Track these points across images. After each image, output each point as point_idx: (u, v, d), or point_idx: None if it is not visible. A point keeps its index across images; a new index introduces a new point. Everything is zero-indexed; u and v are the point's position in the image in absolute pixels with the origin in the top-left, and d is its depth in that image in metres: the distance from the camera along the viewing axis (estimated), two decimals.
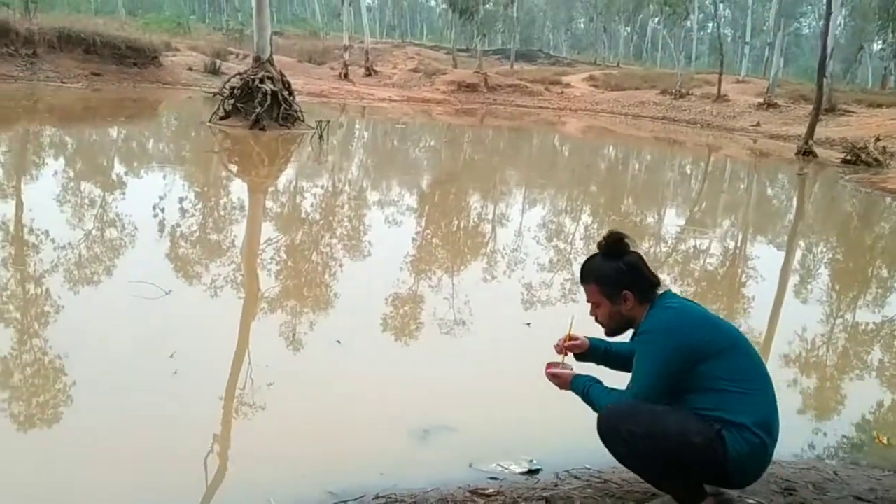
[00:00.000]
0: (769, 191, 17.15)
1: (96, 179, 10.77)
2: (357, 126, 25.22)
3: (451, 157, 18.74)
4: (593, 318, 2.87)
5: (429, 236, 9.32)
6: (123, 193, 9.94)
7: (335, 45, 43.83)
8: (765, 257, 9.68)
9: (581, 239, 9.64)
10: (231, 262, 7.04)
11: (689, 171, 20.22)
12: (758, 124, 30.75)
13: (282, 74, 18.12)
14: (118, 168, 12.41)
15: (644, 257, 2.83)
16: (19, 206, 8.46)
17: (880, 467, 3.73)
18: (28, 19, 26.93)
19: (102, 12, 52.24)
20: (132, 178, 11.47)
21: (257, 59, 17.89)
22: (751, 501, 2.93)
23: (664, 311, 2.68)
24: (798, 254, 10.32)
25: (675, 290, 6.62)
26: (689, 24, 57.37)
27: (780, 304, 7.39)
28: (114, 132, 17.09)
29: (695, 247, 9.83)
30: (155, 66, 29.25)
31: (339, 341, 4.91)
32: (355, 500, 2.95)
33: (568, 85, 41.57)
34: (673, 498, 2.72)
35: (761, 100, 33.83)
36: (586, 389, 2.77)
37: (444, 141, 22.86)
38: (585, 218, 11.51)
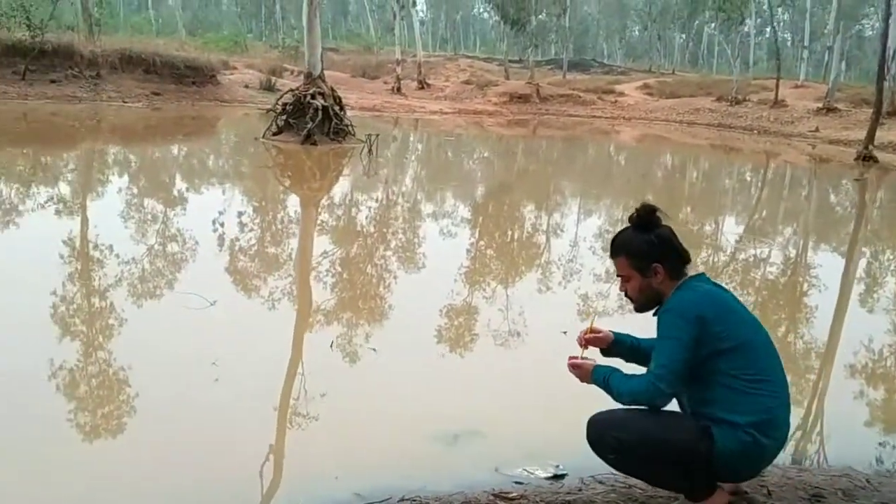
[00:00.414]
0: (828, 197, 16.78)
1: (157, 195, 11.12)
2: (409, 139, 25.44)
3: (505, 168, 18.79)
4: (623, 293, 2.88)
5: (482, 247, 9.38)
6: (183, 209, 10.28)
7: (388, 59, 44.23)
8: (826, 265, 9.48)
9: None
10: (282, 272, 7.22)
11: (746, 179, 19.86)
12: (816, 129, 30.05)
13: (332, 90, 18.42)
14: (178, 184, 12.78)
15: (675, 231, 2.83)
16: (84, 222, 8.78)
17: None
18: (92, 42, 27.88)
19: (163, 33, 53.70)
20: (192, 193, 11.85)
21: (309, 76, 18.25)
22: None
23: (688, 292, 2.69)
24: (860, 261, 10.04)
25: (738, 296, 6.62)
26: (745, 29, 56.55)
27: (841, 312, 7.21)
28: (173, 150, 17.60)
29: (755, 255, 9.67)
30: (213, 85, 29.95)
31: (374, 349, 5.00)
32: (381, 501, 3.02)
33: (621, 94, 41.26)
34: (685, 497, 2.74)
35: (820, 105, 33.05)
36: (606, 378, 2.77)
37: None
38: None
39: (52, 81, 25.32)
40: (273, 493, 3.25)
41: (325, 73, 19.52)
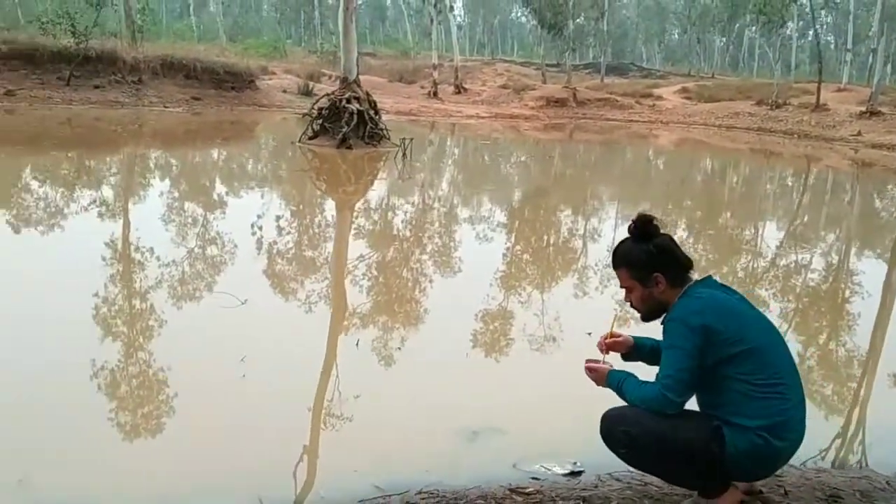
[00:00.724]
0: (871, 202, 16.48)
1: (197, 199, 11.35)
2: (445, 143, 25.54)
3: (541, 172, 18.77)
4: (629, 304, 2.91)
5: (517, 251, 9.41)
6: (222, 212, 10.46)
7: (425, 63, 44.41)
8: (869, 272, 9.29)
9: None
10: (316, 274, 7.36)
11: (787, 183, 19.57)
12: (859, 133, 29.52)
13: (368, 94, 18.57)
14: (217, 187, 13.01)
15: (675, 240, 2.85)
16: (126, 225, 8.98)
17: None
18: (134, 48, 28.45)
19: (205, 39, 54.61)
20: (230, 196, 12.08)
21: (344, 80, 18.44)
22: None
23: (692, 300, 2.70)
24: None
25: (776, 306, 6.58)
26: (787, 32, 55.71)
27: (883, 320, 7.09)
28: (213, 154, 17.89)
29: (795, 261, 9.53)
30: (252, 90, 30.37)
31: (400, 348, 5.08)
32: (399, 494, 3.09)
33: (659, 97, 40.91)
34: (698, 494, 2.75)
35: (863, 108, 32.45)
36: (620, 384, 2.80)
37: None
38: (681, 233, 11.06)
39: (96, 87, 25.91)
40: (294, 483, 3.33)
41: (362, 77, 19.70)
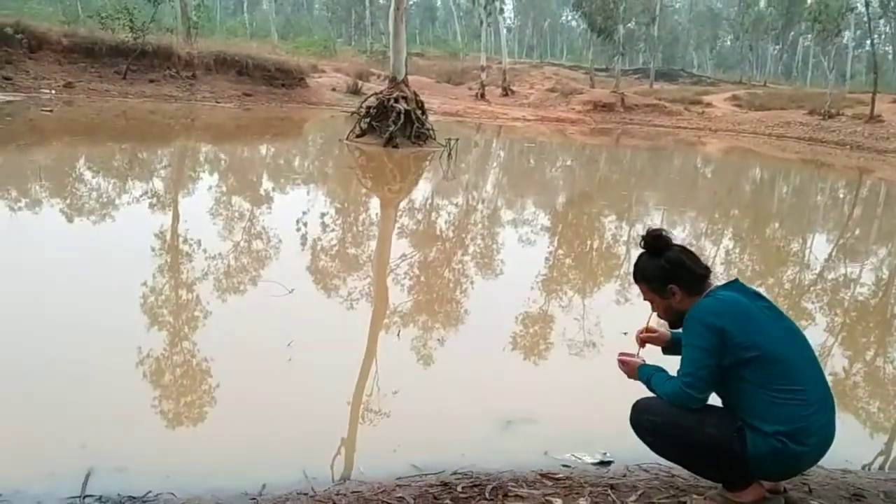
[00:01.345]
0: None
1: (245, 192, 11.62)
2: (490, 145, 25.65)
3: (586, 177, 18.76)
4: (656, 314, 3.00)
5: (560, 255, 9.49)
6: (269, 207, 10.70)
7: (474, 65, 44.60)
8: None
9: (722, 264, 9.28)
10: (359, 269, 7.57)
11: (838, 196, 19.25)
12: None
13: (415, 94, 18.77)
14: (265, 182, 13.29)
15: (689, 250, 2.94)
16: (176, 217, 9.26)
17: None
18: (189, 44, 29.07)
19: (257, 36, 55.36)
20: (278, 192, 12.33)
21: (393, 80, 18.67)
22: (814, 503, 2.97)
23: (713, 300, 2.77)
24: None
25: (822, 320, 6.54)
26: (843, 41, 54.64)
27: None
28: (262, 149, 18.24)
29: (844, 275, 9.38)
30: (301, 87, 30.82)
31: (439, 340, 5.27)
32: (435, 474, 3.24)
33: (709, 105, 40.49)
34: (723, 487, 2.85)
35: None
36: (649, 378, 2.90)
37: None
38: (727, 242, 11.09)
39: (151, 81, 26.54)
40: (336, 459, 3.51)
41: (410, 77, 19.90)
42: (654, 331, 3.11)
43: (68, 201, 9.66)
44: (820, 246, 11.56)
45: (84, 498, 2.87)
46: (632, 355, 3.05)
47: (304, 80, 31.30)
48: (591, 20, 44.20)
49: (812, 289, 8.40)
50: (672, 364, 2.86)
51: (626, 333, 4.64)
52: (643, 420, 2.85)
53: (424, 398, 4.43)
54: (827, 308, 7.61)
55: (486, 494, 2.97)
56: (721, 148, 30.26)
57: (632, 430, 2.92)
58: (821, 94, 38.06)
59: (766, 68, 68.51)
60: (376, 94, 19.30)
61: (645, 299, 3.00)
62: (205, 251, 7.29)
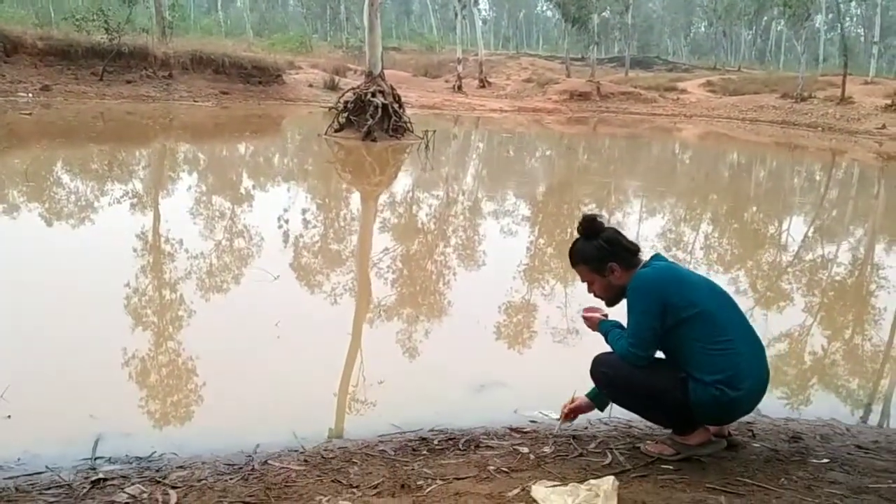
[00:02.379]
0: None
1: (226, 190, 11.84)
2: (467, 136, 25.90)
3: (566, 166, 19.06)
4: (592, 296, 3.29)
5: (541, 245, 9.78)
6: (250, 204, 10.90)
7: (450, 58, 44.74)
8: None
9: (701, 248, 9.55)
10: (343, 256, 7.84)
11: (812, 177, 19.60)
12: (883, 126, 29.47)
13: (392, 88, 19.02)
14: (245, 179, 13.51)
15: (619, 230, 3.24)
16: (157, 217, 9.45)
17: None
18: (165, 44, 29.10)
19: (232, 34, 55.20)
20: (259, 188, 12.58)
21: (369, 75, 18.90)
22: (756, 445, 3.32)
23: (649, 270, 3.09)
24: None
25: (800, 300, 6.81)
26: (816, 24, 55.21)
27: None
28: (241, 146, 18.42)
29: (822, 255, 9.64)
30: (278, 84, 30.92)
31: (418, 316, 5.65)
32: (414, 431, 3.54)
33: (684, 91, 40.92)
34: (672, 432, 3.18)
35: (889, 101, 32.31)
36: (607, 332, 3.23)
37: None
38: (705, 227, 11.27)
39: (128, 82, 26.57)
40: (323, 422, 3.82)
41: (387, 71, 20.12)
42: (596, 310, 3.37)
43: (53, 203, 9.85)
44: (796, 227, 11.81)
45: (95, 459, 3.15)
46: (595, 310, 3.34)
47: (281, 77, 31.40)
48: (565, 10, 44.42)
49: (790, 269, 8.66)
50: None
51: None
52: (599, 372, 3.18)
53: (405, 369, 4.78)
54: (806, 288, 7.87)
55: (460, 446, 3.28)
56: (696, 133, 30.67)
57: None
58: (793, 77, 38.50)
59: (740, 54, 69.08)
60: (353, 88, 19.53)
61: (583, 281, 3.26)
62: (187, 250, 7.46)
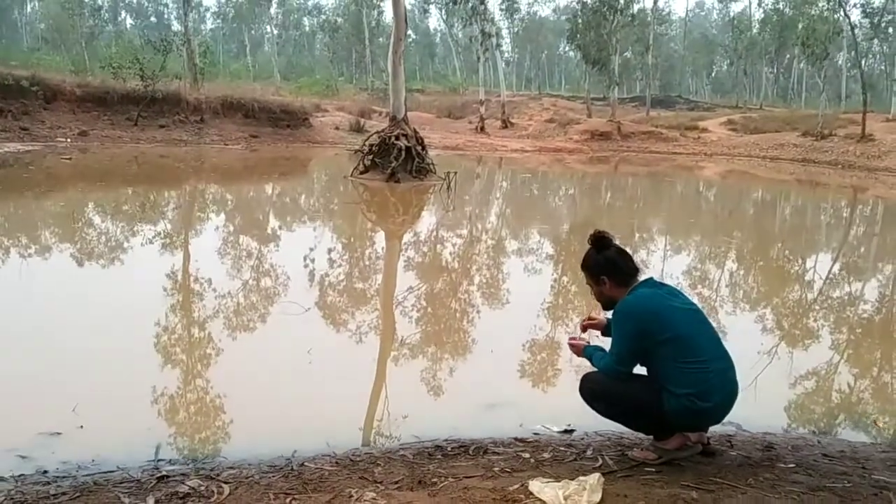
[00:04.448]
0: None
1: (254, 230, 12.47)
2: (488, 176, 26.56)
3: (589, 205, 19.56)
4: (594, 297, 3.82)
5: (560, 281, 10.25)
6: (276, 244, 11.52)
7: (473, 99, 45.58)
8: None
9: (726, 286, 9.72)
10: (370, 290, 8.40)
11: (836, 214, 19.79)
12: None
13: (415, 131, 19.75)
14: (272, 219, 14.17)
15: (624, 251, 3.73)
16: (187, 257, 10.03)
17: (864, 441, 4.40)
18: (196, 89, 30.21)
19: (260, 78, 56.76)
20: (286, 228, 13.24)
21: (393, 119, 19.67)
22: (733, 453, 3.77)
23: (633, 297, 3.58)
24: None
25: (827, 338, 7.14)
26: (839, 62, 55.58)
27: None
28: (270, 188, 19.15)
29: (849, 292, 9.74)
30: (305, 127, 31.89)
31: (436, 347, 6.10)
32: (430, 440, 4.04)
33: (704, 130, 41.31)
34: (654, 439, 3.65)
35: None
36: (591, 355, 3.74)
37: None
38: (730, 264, 11.36)
39: (161, 126, 27.62)
40: (351, 433, 4.31)
41: (412, 113, 20.87)
42: (595, 318, 3.96)
43: (93, 241, 10.52)
44: (822, 263, 11.92)
45: (157, 461, 3.67)
46: (579, 339, 3.86)
47: (308, 120, 32.37)
48: (586, 52, 45.22)
49: (813, 305, 8.86)
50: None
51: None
52: (586, 388, 3.69)
53: (424, 390, 5.31)
54: (835, 326, 7.96)
55: (470, 452, 3.78)
56: (718, 172, 31.00)
57: (596, 414, 3.73)
58: (814, 115, 38.81)
59: (762, 92, 69.53)
60: (378, 132, 20.26)
61: (587, 283, 3.81)
62: (217, 287, 8.03)
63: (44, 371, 5.05)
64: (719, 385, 3.43)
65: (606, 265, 3.66)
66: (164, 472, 3.41)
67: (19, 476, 3.41)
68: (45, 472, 3.49)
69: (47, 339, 5.81)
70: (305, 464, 3.56)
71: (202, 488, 3.18)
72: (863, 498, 3.22)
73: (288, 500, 3.06)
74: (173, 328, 6.36)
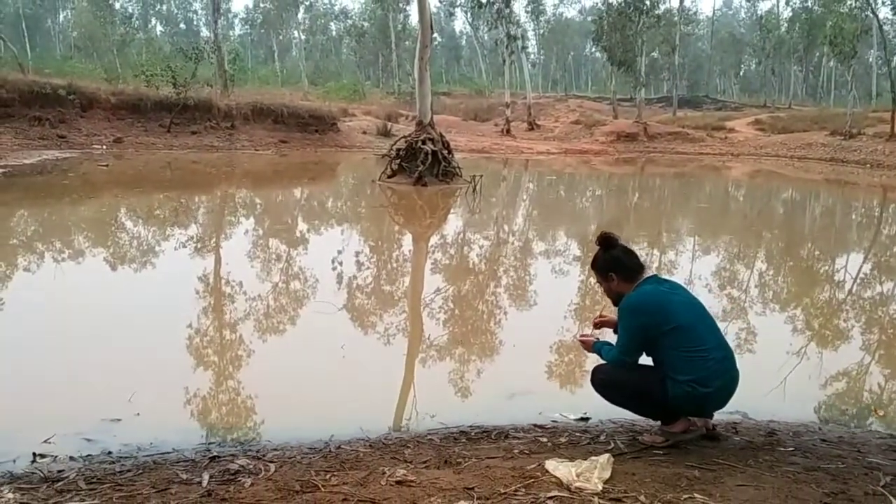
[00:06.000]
0: None
1: (286, 232, 12.90)
2: (513, 178, 26.88)
3: (617, 205, 19.81)
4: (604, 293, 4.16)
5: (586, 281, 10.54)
6: (304, 247, 11.93)
7: (499, 102, 45.88)
8: None
9: (756, 286, 9.74)
10: (398, 290, 8.79)
11: (865, 213, 19.86)
12: None
13: (441, 135, 20.15)
14: (303, 222, 14.61)
15: (629, 249, 4.05)
16: (218, 260, 10.43)
17: (863, 428, 4.66)
18: (227, 96, 30.86)
19: (288, 83, 57.55)
20: (316, 230, 13.66)
21: (419, 123, 20.09)
22: (737, 439, 4.04)
23: (638, 293, 3.89)
24: None
25: (859, 338, 7.33)
26: (870, 59, 55.07)
27: None
28: (299, 192, 19.63)
29: (882, 293, 9.78)
30: (333, 132, 32.43)
31: (461, 343, 6.53)
32: (456, 426, 4.39)
33: (732, 130, 41.25)
34: (661, 424, 3.98)
35: None
36: (599, 349, 4.07)
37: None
38: (759, 265, 11.45)
39: (193, 133, 28.31)
40: (383, 420, 4.62)
41: (438, 116, 21.25)
42: (605, 316, 4.30)
43: (136, 245, 10.99)
44: (853, 262, 11.95)
45: (209, 444, 4.05)
46: (589, 336, 4.20)
47: (336, 125, 32.91)
48: (611, 54, 45.36)
49: (842, 305, 8.96)
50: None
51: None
52: (597, 378, 4.02)
53: (450, 380, 5.66)
54: (866, 326, 8.08)
55: (492, 436, 4.13)
56: (745, 172, 31.01)
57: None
58: (843, 114, 38.57)
59: (790, 91, 69.03)
60: (405, 136, 20.69)
61: (596, 281, 4.14)
62: (244, 293, 8.45)
63: (101, 364, 5.50)
64: (719, 372, 3.72)
65: (613, 262, 3.97)
66: (215, 453, 3.79)
67: (87, 456, 3.81)
68: (110, 452, 3.88)
69: (104, 337, 6.25)
70: (342, 446, 3.92)
71: (250, 466, 3.54)
72: (854, 477, 3.49)
73: (328, 476, 3.39)
74: (218, 327, 6.81)
